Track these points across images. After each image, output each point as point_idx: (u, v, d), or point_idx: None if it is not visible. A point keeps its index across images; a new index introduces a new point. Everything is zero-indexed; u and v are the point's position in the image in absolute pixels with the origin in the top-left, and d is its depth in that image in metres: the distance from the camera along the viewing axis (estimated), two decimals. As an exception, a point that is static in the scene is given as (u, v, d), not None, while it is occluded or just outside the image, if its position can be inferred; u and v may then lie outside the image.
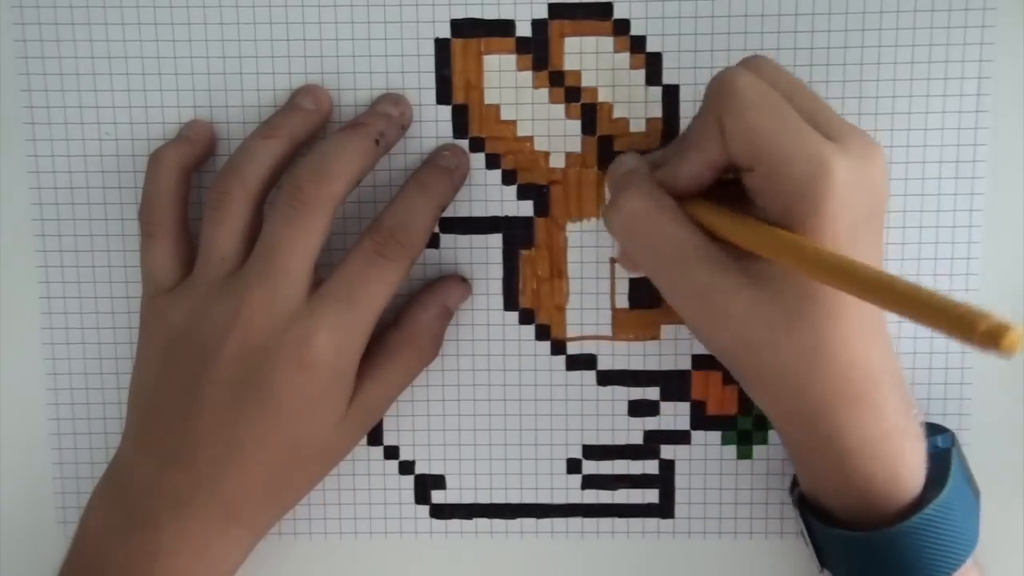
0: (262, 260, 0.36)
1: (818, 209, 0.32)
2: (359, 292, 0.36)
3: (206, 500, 0.36)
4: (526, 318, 0.41)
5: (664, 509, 0.42)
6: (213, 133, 0.40)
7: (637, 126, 0.39)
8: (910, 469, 0.35)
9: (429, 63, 0.39)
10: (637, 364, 0.41)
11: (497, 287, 0.41)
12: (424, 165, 0.39)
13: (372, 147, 0.37)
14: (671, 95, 0.39)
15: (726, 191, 0.35)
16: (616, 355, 0.41)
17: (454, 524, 0.42)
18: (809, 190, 0.32)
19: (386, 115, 0.38)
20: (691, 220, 0.35)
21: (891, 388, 0.34)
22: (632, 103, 0.39)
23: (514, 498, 0.42)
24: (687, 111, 0.39)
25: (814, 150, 0.32)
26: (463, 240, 0.40)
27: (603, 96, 0.39)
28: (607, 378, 0.41)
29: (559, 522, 0.42)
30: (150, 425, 0.37)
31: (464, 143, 0.40)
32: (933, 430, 0.38)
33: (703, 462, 0.41)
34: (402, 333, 0.39)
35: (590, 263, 0.40)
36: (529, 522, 0.42)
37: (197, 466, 0.36)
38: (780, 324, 0.33)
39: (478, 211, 0.40)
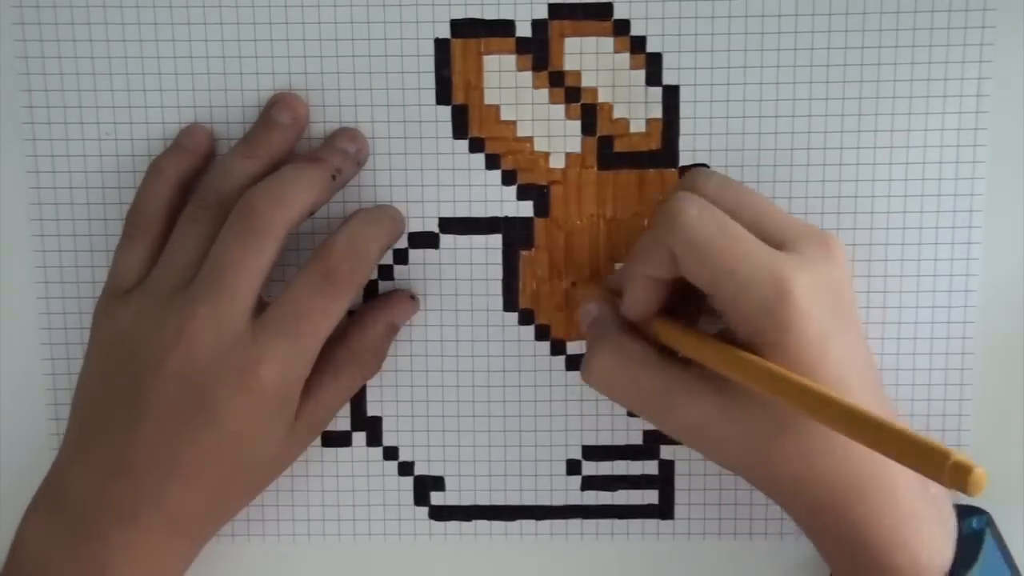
0: (210, 278, 0.36)
1: (784, 328, 0.33)
2: (304, 321, 0.36)
3: (151, 513, 0.36)
4: (526, 319, 0.41)
5: (664, 510, 0.42)
6: (212, 141, 0.39)
7: (637, 126, 0.39)
8: (930, 553, 0.35)
9: (429, 63, 0.39)
10: (637, 365, 0.41)
11: (497, 288, 0.41)
12: (373, 207, 0.39)
13: (329, 182, 0.37)
14: (671, 95, 0.39)
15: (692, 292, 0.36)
16: (616, 356, 0.41)
17: (453, 526, 0.42)
18: (772, 312, 0.33)
19: (343, 151, 0.38)
20: (662, 351, 0.36)
21: (897, 471, 0.34)
22: (632, 103, 0.39)
23: (513, 499, 0.42)
24: (687, 111, 0.39)
25: (770, 271, 0.33)
26: (463, 240, 0.40)
27: (603, 96, 0.39)
28: (607, 379, 0.41)
29: (559, 523, 0.42)
30: (90, 434, 0.37)
31: (463, 144, 0.40)
32: (967, 512, 0.38)
33: (703, 463, 0.41)
34: (347, 349, 0.39)
35: (590, 263, 0.40)
36: (529, 523, 0.42)
37: (140, 479, 0.36)
38: (774, 439, 0.34)
39: (478, 211, 0.40)
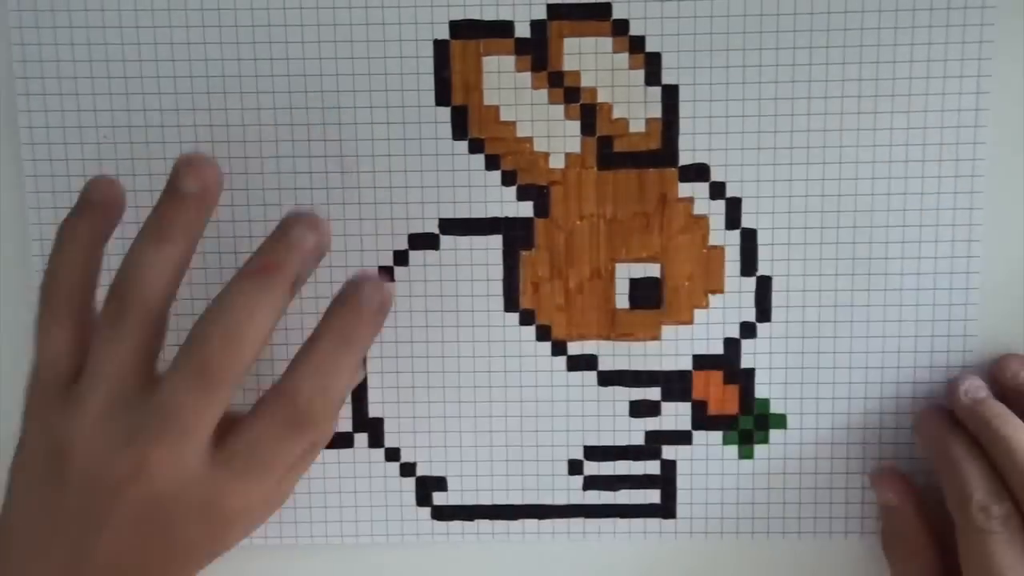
0: (164, 421, 0.33)
1: None
2: (269, 463, 0.35)
3: None
4: (526, 319, 0.41)
5: (666, 509, 0.42)
6: (122, 193, 0.36)
7: (637, 126, 0.39)
8: None
9: (428, 64, 0.39)
10: (638, 364, 0.41)
11: (497, 288, 0.41)
12: (342, 306, 0.35)
13: (287, 293, 0.34)
14: (671, 95, 0.39)
15: None
16: (617, 356, 0.41)
17: (455, 526, 0.42)
18: None
19: (301, 248, 0.34)
20: None
21: None
22: (632, 103, 0.39)
23: (515, 499, 0.42)
24: (687, 111, 0.39)
25: None
26: (463, 241, 0.40)
27: (602, 96, 0.39)
28: (608, 379, 0.41)
29: (560, 523, 0.42)
30: (35, 554, 0.34)
31: (463, 145, 0.40)
32: None
33: (704, 462, 0.41)
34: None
35: (590, 263, 0.40)
36: (531, 523, 0.42)
37: None
38: None
39: (478, 212, 0.40)
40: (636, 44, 0.39)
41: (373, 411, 0.41)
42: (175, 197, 0.34)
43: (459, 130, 0.40)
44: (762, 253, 0.40)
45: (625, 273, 0.40)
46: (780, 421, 0.41)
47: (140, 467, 0.33)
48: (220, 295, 0.34)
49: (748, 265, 0.40)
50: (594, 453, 0.41)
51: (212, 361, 0.33)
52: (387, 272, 0.40)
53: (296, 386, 0.34)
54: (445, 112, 0.39)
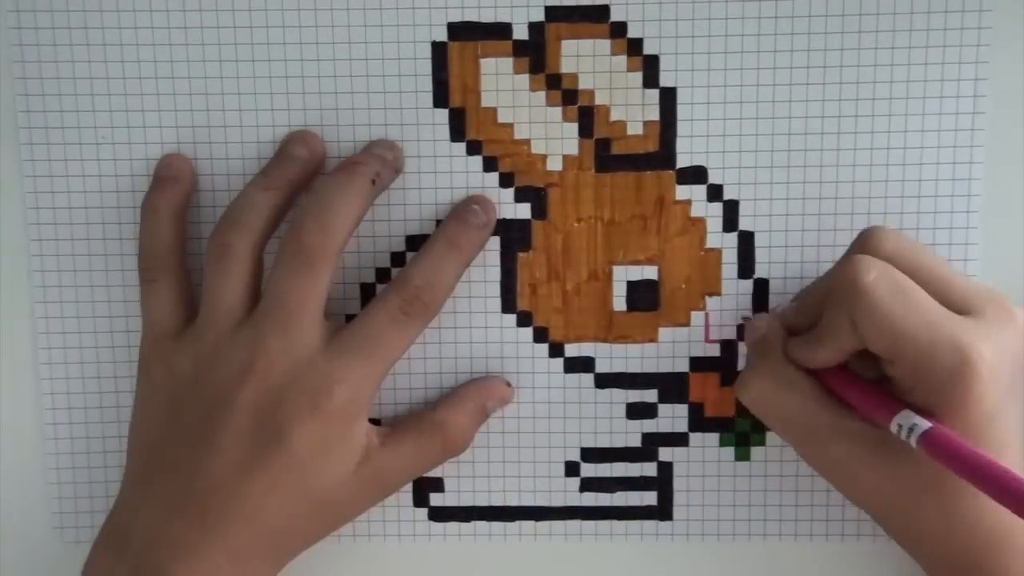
0: (274, 311, 0.36)
1: (964, 396, 0.33)
2: (379, 347, 0.37)
3: (214, 551, 0.36)
4: (524, 320, 0.41)
5: (663, 511, 0.42)
6: (192, 167, 0.40)
7: (635, 128, 0.39)
8: None
9: (426, 66, 0.39)
10: (635, 366, 0.41)
11: (495, 289, 0.41)
12: (454, 221, 0.39)
13: (369, 187, 0.38)
14: (668, 97, 0.39)
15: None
16: (614, 357, 0.41)
17: (453, 527, 0.42)
18: (954, 380, 0.33)
19: (381, 157, 0.39)
20: (823, 390, 0.36)
21: None
22: (629, 105, 0.39)
23: (512, 500, 0.42)
24: (684, 113, 0.39)
25: (954, 339, 0.33)
26: (461, 243, 0.40)
27: (600, 99, 0.39)
28: (605, 380, 0.41)
29: (558, 524, 0.42)
30: (155, 474, 0.37)
31: (461, 147, 0.40)
32: None
33: (701, 464, 0.41)
34: (435, 420, 0.39)
35: (588, 265, 0.40)
36: (528, 524, 0.42)
37: (206, 516, 0.36)
38: (919, 494, 0.35)
39: (476, 214, 0.40)
40: (634, 46, 0.39)
41: (371, 412, 0.41)
42: (284, 156, 0.39)
43: (457, 132, 0.40)
44: (759, 256, 0.40)
45: (622, 275, 0.40)
46: (777, 423, 0.41)
47: (253, 362, 0.36)
48: (311, 190, 0.38)
49: (745, 268, 0.40)
50: (591, 455, 0.41)
51: (307, 240, 0.36)
52: (385, 274, 0.41)
53: (407, 276, 0.37)
54: (443, 114, 0.40)
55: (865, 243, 0.36)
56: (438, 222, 0.40)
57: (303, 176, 0.39)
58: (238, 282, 0.37)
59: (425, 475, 0.41)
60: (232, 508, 0.36)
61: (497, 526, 0.42)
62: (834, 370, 0.36)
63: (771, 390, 0.37)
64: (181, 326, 0.38)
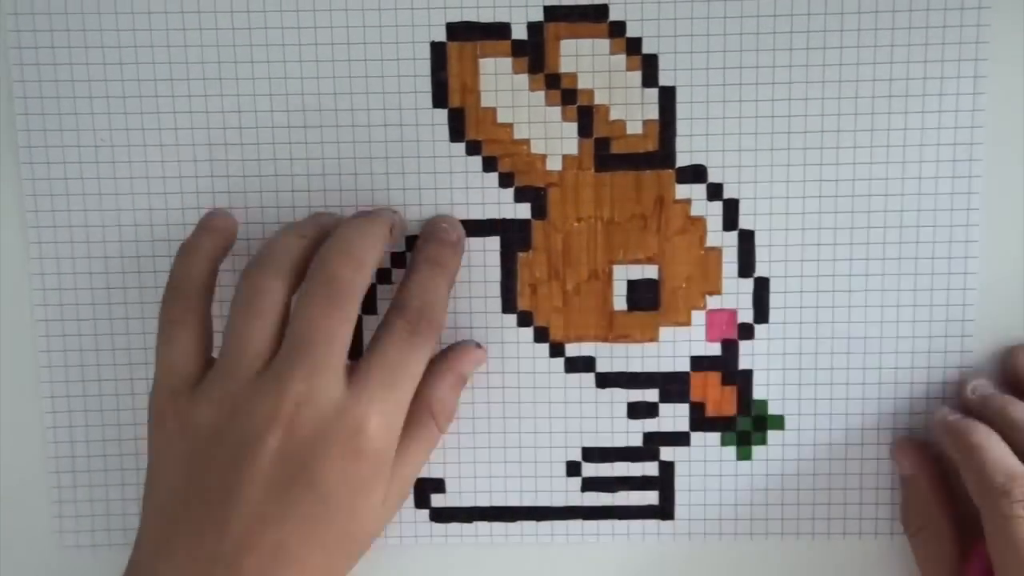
0: (299, 354, 0.35)
1: None
2: (399, 374, 0.36)
3: None
4: (524, 320, 0.41)
5: (664, 511, 0.42)
6: (236, 224, 0.39)
7: (634, 128, 0.39)
8: None
9: (425, 67, 0.39)
10: (636, 366, 0.41)
11: (495, 290, 0.41)
12: (429, 242, 0.39)
13: (388, 233, 0.38)
14: (668, 96, 0.39)
15: None
16: (615, 357, 0.41)
17: (454, 527, 0.42)
18: None
19: (391, 210, 0.39)
20: None
21: None
22: (629, 105, 0.39)
23: (514, 501, 0.42)
24: (683, 112, 0.39)
25: None
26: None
27: (599, 98, 0.39)
28: (606, 380, 0.41)
29: (559, 525, 0.42)
30: (177, 537, 0.35)
31: (460, 147, 0.40)
32: None
33: (702, 463, 0.41)
34: (422, 403, 0.38)
35: (588, 265, 0.40)
36: (529, 525, 0.42)
37: (242, 568, 0.34)
38: None
39: (475, 214, 0.40)
40: (633, 46, 0.39)
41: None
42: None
43: (456, 132, 0.40)
44: (760, 254, 0.40)
45: (623, 274, 0.40)
46: (778, 422, 0.41)
47: (278, 408, 0.34)
48: (333, 232, 0.37)
49: (746, 266, 0.40)
50: (592, 455, 0.41)
51: (338, 273, 0.36)
52: (385, 275, 0.41)
53: (404, 300, 0.37)
54: (442, 114, 0.40)
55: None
56: (438, 222, 0.40)
57: (332, 223, 0.38)
58: (267, 324, 0.36)
59: (426, 476, 0.42)
60: (268, 564, 0.34)
61: (498, 526, 0.42)
62: None
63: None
64: (198, 375, 0.36)
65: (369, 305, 0.41)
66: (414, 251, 0.39)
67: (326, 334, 0.35)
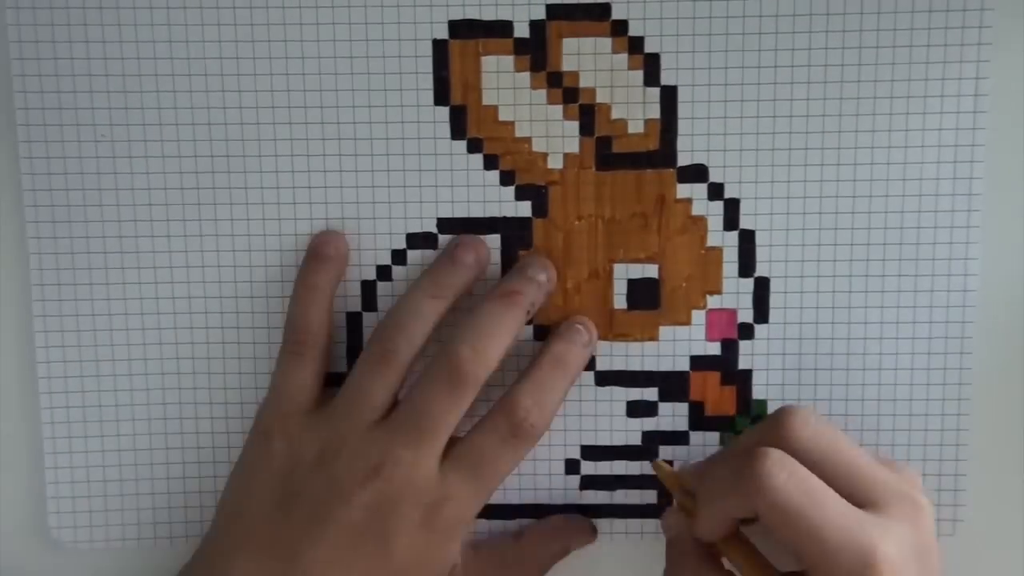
0: (412, 421, 0.37)
1: None
2: (488, 470, 0.38)
3: None
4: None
5: (663, 509, 0.42)
6: (347, 247, 0.40)
7: (635, 127, 0.39)
8: None
9: (427, 64, 0.39)
10: (635, 365, 0.41)
11: (495, 288, 0.41)
12: (560, 340, 0.39)
13: (524, 317, 0.39)
14: (669, 96, 0.39)
15: None
16: (614, 356, 0.41)
17: (453, 525, 0.42)
18: None
19: (537, 283, 0.39)
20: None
21: None
22: (630, 104, 0.39)
23: (513, 499, 0.42)
24: (685, 112, 0.39)
25: (857, 539, 0.33)
26: (461, 241, 0.40)
27: (601, 97, 0.39)
28: (605, 379, 0.41)
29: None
30: (251, 544, 0.37)
31: (461, 144, 0.40)
32: None
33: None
34: (518, 551, 0.40)
35: (588, 264, 0.40)
36: (528, 523, 0.42)
37: None
38: None
39: (476, 212, 0.40)
40: (635, 45, 0.39)
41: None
42: (452, 262, 0.39)
43: (458, 130, 0.40)
44: (760, 254, 0.40)
45: (623, 273, 0.40)
46: (777, 422, 0.41)
47: (381, 465, 0.37)
48: (470, 315, 0.38)
49: (746, 266, 0.40)
50: (591, 453, 0.41)
51: (462, 366, 0.37)
52: (386, 272, 0.40)
53: (516, 400, 0.38)
54: (444, 112, 0.39)
55: (782, 425, 0.36)
56: (439, 220, 0.40)
57: (467, 285, 0.39)
58: (390, 384, 0.38)
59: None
60: None
61: (497, 524, 0.42)
62: (755, 564, 0.37)
63: None
64: (311, 407, 0.39)
65: (369, 304, 0.41)
66: (544, 345, 0.40)
67: (440, 414, 0.37)
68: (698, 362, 0.41)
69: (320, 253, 0.40)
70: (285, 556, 0.37)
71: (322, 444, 0.38)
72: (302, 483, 0.37)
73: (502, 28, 0.39)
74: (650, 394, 0.41)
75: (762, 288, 0.40)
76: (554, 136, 0.40)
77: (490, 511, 0.42)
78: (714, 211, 0.40)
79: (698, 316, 0.41)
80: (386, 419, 0.38)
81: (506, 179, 0.40)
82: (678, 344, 0.41)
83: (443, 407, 0.37)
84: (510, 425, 0.37)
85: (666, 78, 0.39)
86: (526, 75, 0.39)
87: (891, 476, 0.36)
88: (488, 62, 0.39)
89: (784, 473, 0.34)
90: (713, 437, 0.41)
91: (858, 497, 0.35)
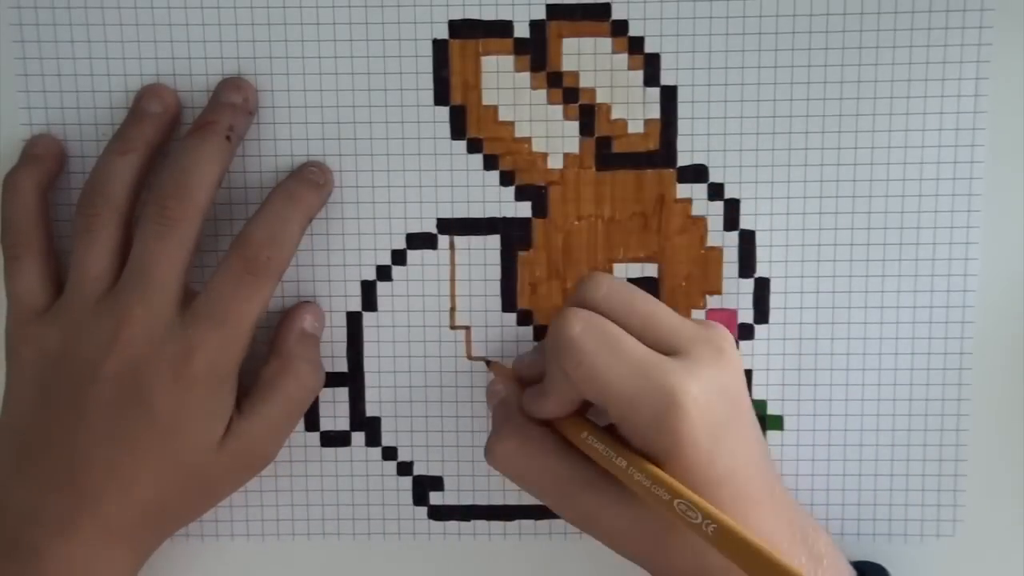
0: (137, 278, 0.36)
1: (674, 439, 0.33)
2: (230, 310, 0.37)
3: (88, 523, 0.36)
4: (524, 319, 0.41)
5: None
6: (62, 149, 0.40)
7: (635, 127, 0.39)
8: None
9: (427, 64, 0.39)
10: (635, 365, 0.41)
11: (495, 288, 0.41)
12: (292, 178, 0.39)
13: (226, 145, 0.38)
14: (669, 96, 0.39)
15: None
16: (614, 356, 0.41)
17: (452, 525, 0.42)
18: (662, 425, 0.33)
19: (231, 105, 0.38)
20: (564, 442, 0.37)
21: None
22: (630, 104, 0.39)
23: (512, 499, 0.42)
24: (685, 112, 0.39)
25: (659, 384, 0.34)
26: (461, 241, 0.40)
27: (601, 97, 0.39)
28: (605, 379, 0.41)
29: (557, 523, 0.42)
30: (28, 451, 0.37)
31: (461, 144, 0.40)
32: (869, 569, 0.39)
33: (701, 463, 0.41)
34: (271, 364, 0.39)
35: (588, 264, 0.40)
36: (527, 523, 0.42)
37: (79, 488, 0.36)
38: (665, 533, 0.35)
39: (476, 212, 0.40)
40: (635, 45, 0.39)
41: (371, 410, 0.41)
42: (138, 115, 0.38)
43: (458, 130, 0.40)
44: (760, 254, 0.40)
45: (623, 273, 0.40)
46: (777, 422, 0.41)
47: (118, 331, 0.36)
48: (172, 156, 0.37)
49: (746, 266, 0.40)
50: (591, 453, 0.41)
51: (169, 204, 0.36)
52: (385, 272, 0.41)
53: (248, 234, 0.37)
54: (444, 112, 0.40)
55: (580, 290, 0.37)
56: (439, 220, 0.40)
57: (160, 134, 0.38)
58: (104, 251, 0.37)
59: (424, 474, 0.42)
60: (103, 479, 0.36)
61: (496, 525, 0.42)
62: (571, 421, 0.37)
63: (517, 450, 0.37)
64: (48, 303, 0.38)
65: (369, 304, 0.41)
66: (277, 185, 0.39)
67: (159, 259, 0.36)
68: (698, 362, 0.41)
69: (26, 152, 0.39)
70: (59, 453, 0.36)
71: (62, 333, 0.37)
72: (55, 378, 0.37)
73: (502, 28, 0.39)
74: (650, 394, 0.41)
75: (762, 288, 0.40)
76: (554, 136, 0.40)
77: (490, 512, 0.42)
78: (714, 211, 0.40)
79: (698, 316, 0.41)
80: (114, 287, 0.37)
81: (506, 179, 0.40)
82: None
83: (161, 252, 0.36)
84: (244, 260, 0.37)
85: (666, 78, 0.39)
86: (526, 75, 0.39)
87: (691, 324, 0.36)
88: (488, 62, 0.39)
89: (579, 324, 0.35)
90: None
91: (660, 346, 0.35)
